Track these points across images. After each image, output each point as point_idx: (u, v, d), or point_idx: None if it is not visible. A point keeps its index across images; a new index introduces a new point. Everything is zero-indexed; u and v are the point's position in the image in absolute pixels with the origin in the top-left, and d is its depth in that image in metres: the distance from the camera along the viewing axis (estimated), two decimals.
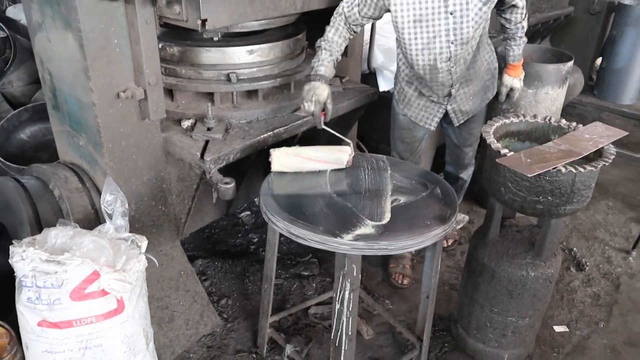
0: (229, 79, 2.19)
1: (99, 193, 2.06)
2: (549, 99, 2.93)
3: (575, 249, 3.11)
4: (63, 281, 1.58)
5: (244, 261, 2.83)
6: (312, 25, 2.63)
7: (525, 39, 2.48)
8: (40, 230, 1.93)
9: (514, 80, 2.56)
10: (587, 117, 4.85)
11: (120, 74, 1.86)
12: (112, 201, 1.79)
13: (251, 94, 2.30)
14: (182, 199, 2.26)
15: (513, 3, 2.29)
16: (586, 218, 3.42)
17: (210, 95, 2.24)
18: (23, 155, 2.87)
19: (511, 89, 2.59)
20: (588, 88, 5.29)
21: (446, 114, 2.48)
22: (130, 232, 1.81)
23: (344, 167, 2.01)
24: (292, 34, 2.38)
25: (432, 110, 2.46)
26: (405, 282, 2.71)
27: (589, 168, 1.80)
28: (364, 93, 2.56)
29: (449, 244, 3.01)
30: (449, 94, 2.37)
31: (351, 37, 2.26)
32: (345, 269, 1.71)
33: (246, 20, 1.94)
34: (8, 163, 2.59)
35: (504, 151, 1.85)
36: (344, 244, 1.61)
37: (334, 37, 2.18)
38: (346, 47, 2.45)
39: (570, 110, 4.86)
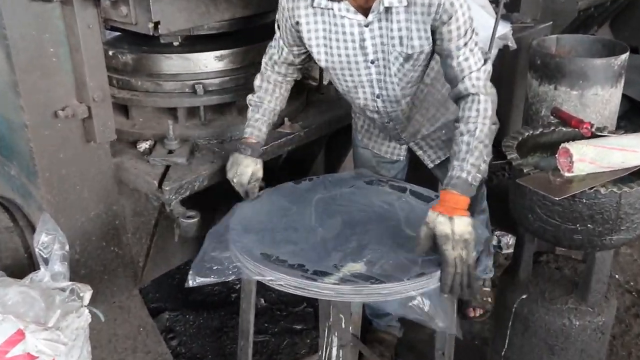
0: (194, 91, 2.26)
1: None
2: (599, 101, 2.96)
3: None
4: None
5: (222, 313, 2.88)
6: None
7: (483, 155, 1.81)
8: None
9: (438, 218, 1.69)
10: None
11: (58, 89, 1.93)
12: (49, 243, 1.85)
13: (224, 108, 2.37)
14: (139, 237, 2.32)
15: (453, 65, 1.85)
16: None
17: (172, 111, 2.31)
18: None
19: (437, 238, 1.69)
20: None
21: None
22: (73, 280, 1.87)
23: None
24: (271, 33, 2.43)
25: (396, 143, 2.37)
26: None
27: (636, 187, 1.81)
28: None
29: (476, 314, 2.93)
30: (400, 138, 2.30)
31: (287, 84, 2.20)
32: (331, 319, 1.73)
33: (209, 22, 2.01)
34: None
35: (526, 169, 1.87)
36: (327, 288, 1.63)
37: (262, 85, 2.14)
38: None
39: None
